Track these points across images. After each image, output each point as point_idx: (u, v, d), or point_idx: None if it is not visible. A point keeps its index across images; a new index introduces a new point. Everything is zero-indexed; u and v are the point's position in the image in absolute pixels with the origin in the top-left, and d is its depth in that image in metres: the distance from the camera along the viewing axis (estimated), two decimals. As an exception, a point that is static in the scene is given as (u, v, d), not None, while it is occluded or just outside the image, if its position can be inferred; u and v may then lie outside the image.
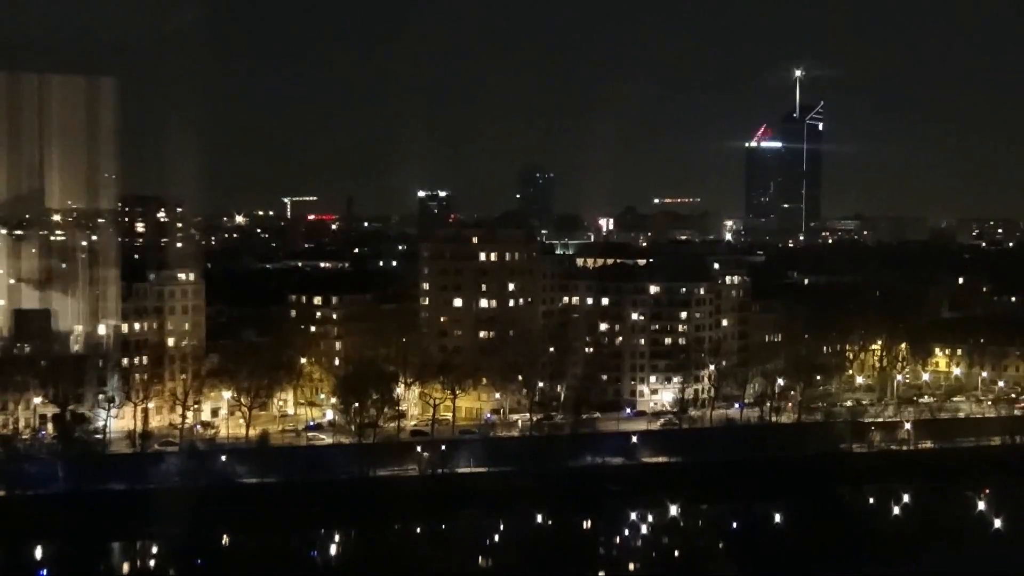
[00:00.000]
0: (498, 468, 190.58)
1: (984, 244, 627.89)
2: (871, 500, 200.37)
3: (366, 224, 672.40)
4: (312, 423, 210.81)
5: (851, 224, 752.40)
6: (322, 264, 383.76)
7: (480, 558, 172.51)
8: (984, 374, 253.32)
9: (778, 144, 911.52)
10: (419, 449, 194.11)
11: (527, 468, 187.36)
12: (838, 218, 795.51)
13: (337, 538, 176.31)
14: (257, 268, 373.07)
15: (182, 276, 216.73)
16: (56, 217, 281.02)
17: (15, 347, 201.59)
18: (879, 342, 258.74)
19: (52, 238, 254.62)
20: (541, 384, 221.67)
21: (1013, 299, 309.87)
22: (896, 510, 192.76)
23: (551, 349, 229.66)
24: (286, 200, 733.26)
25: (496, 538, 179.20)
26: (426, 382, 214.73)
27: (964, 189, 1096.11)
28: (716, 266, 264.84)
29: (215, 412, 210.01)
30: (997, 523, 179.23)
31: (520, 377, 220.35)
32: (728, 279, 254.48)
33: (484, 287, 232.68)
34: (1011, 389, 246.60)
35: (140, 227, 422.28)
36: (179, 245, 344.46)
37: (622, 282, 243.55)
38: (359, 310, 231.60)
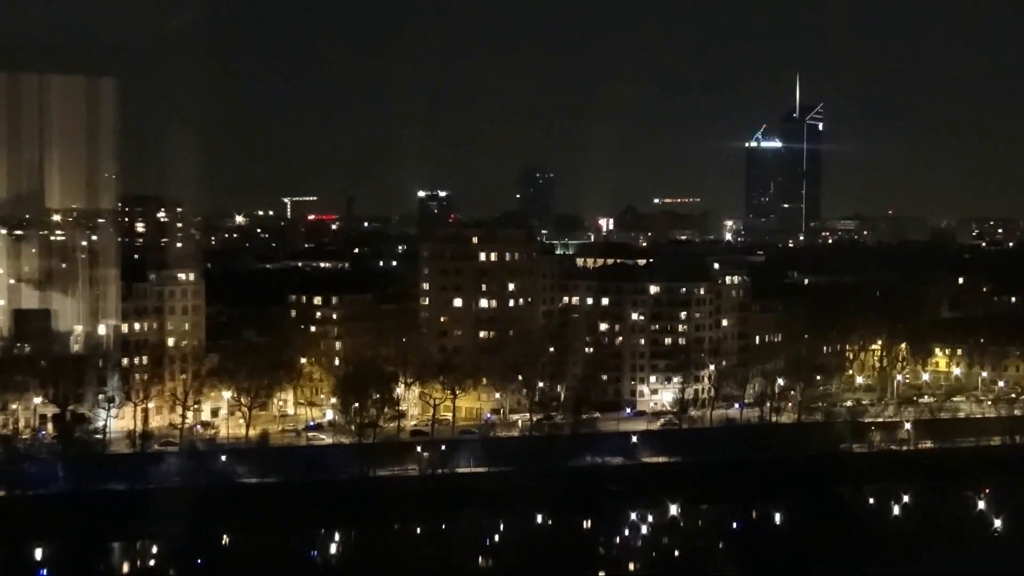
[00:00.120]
0: (498, 468, 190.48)
1: (984, 244, 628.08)
2: (871, 500, 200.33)
3: (366, 224, 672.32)
4: (312, 423, 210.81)
5: (851, 224, 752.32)
6: (322, 264, 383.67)
7: (480, 558, 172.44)
8: (984, 374, 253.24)
9: (778, 144, 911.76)
10: (419, 449, 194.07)
11: (527, 468, 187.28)
12: (838, 218, 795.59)
13: (337, 538, 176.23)
14: (257, 268, 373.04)
15: (182, 276, 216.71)
16: (56, 217, 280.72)
17: (15, 347, 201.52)
18: (879, 342, 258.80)
19: (52, 238, 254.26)
20: (541, 384, 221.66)
21: (1013, 299, 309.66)
22: (896, 510, 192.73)
23: (551, 349, 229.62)
24: (286, 200, 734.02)
25: (496, 538, 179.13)
26: (426, 382, 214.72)
27: (964, 189, 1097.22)
28: (716, 266, 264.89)
29: (215, 412, 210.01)
30: (997, 523, 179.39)
31: (520, 377, 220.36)
32: (728, 279, 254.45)
33: (484, 287, 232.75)
34: (1011, 389, 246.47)
35: (140, 227, 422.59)
36: (179, 245, 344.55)
37: (622, 282, 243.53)
38: (359, 310, 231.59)
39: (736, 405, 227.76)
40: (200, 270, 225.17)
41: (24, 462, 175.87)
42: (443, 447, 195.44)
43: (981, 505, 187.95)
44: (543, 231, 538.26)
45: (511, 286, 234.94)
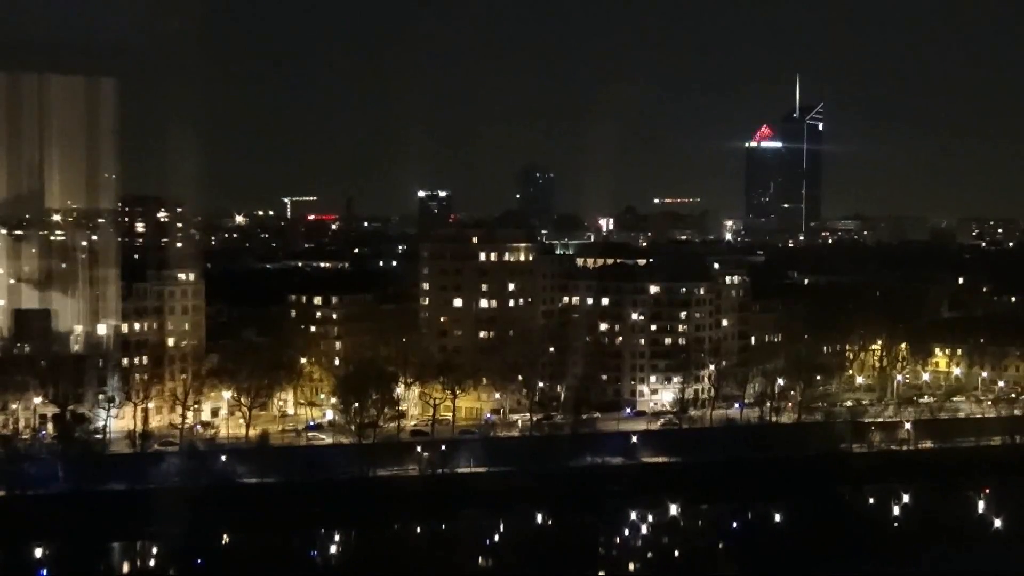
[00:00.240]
0: (498, 468, 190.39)
1: (984, 244, 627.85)
2: (871, 500, 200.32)
3: (366, 224, 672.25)
4: (312, 423, 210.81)
5: (851, 224, 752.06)
6: (322, 264, 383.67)
7: (480, 558, 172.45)
8: (984, 374, 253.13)
9: (778, 144, 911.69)
10: (419, 449, 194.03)
11: (527, 468, 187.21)
12: (838, 218, 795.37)
13: (337, 538, 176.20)
14: (257, 268, 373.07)
15: (182, 276, 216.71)
16: (56, 217, 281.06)
17: (15, 347, 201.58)
18: (879, 342, 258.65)
19: (52, 238, 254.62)
20: (541, 384, 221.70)
21: (1013, 299, 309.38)
22: (896, 510, 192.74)
23: (551, 349, 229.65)
24: (286, 200, 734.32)
25: (496, 538, 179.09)
26: (426, 382, 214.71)
27: (964, 189, 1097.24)
28: (716, 266, 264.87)
29: (215, 412, 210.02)
30: (997, 523, 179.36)
31: (520, 377, 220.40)
32: (728, 279, 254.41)
33: (484, 287, 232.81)
34: (1011, 389, 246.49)
35: (140, 227, 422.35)
36: (179, 245, 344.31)
37: (622, 282, 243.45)
38: (359, 310, 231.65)
39: (736, 405, 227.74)
40: (200, 270, 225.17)
41: (24, 462, 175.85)
42: (443, 447, 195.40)
43: (981, 505, 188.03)
44: (543, 231, 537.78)
45: (511, 286, 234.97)
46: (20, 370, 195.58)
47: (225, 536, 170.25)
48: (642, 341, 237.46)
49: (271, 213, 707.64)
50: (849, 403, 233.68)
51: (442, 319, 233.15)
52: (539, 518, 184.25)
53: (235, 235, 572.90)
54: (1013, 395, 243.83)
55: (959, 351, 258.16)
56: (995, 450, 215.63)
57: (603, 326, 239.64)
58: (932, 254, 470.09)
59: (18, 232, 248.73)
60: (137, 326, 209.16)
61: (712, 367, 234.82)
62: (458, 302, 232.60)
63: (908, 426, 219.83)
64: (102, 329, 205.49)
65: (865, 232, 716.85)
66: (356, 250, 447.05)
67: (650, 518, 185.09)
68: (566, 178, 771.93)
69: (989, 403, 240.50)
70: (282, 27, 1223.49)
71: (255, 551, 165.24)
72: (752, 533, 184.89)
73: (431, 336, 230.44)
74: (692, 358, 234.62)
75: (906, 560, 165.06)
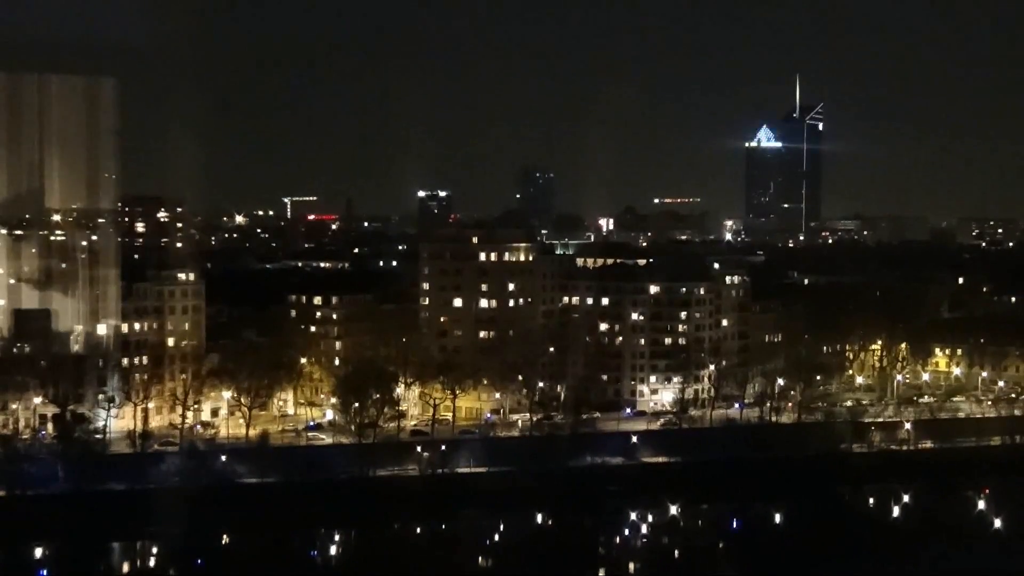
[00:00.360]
0: (498, 468, 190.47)
1: (984, 244, 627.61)
2: (871, 500, 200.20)
3: (366, 224, 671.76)
4: (312, 423, 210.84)
5: (851, 224, 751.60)
6: (322, 264, 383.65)
7: (480, 558, 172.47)
8: (984, 374, 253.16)
9: (778, 144, 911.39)
10: (419, 449, 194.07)
11: (527, 468, 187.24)
12: (838, 218, 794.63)
13: (337, 538, 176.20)
14: (257, 268, 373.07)
15: (182, 276, 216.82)
16: (56, 217, 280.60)
17: (15, 347, 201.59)
18: (879, 342, 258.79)
19: (52, 238, 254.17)
20: (541, 384, 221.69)
21: (1013, 299, 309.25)
22: (896, 510, 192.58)
23: (551, 349, 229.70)
24: (286, 200, 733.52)
25: (496, 538, 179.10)
26: (426, 382, 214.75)
27: (964, 189, 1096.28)
28: (716, 266, 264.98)
29: (215, 412, 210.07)
30: (997, 523, 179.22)
31: (520, 377, 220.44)
32: (728, 279, 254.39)
33: (484, 287, 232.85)
34: (1011, 389, 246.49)
35: (140, 227, 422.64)
36: (179, 245, 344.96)
37: (622, 282, 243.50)
38: (359, 310, 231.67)
39: (736, 405, 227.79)
40: (200, 270, 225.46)
41: (24, 462, 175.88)
42: (443, 447, 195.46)
43: (981, 505, 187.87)
44: (543, 231, 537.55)
45: (511, 286, 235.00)
46: (20, 370, 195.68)
47: (225, 536, 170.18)
48: (642, 341, 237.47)
49: (271, 213, 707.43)
50: (849, 403, 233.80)
51: (442, 319, 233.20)
52: (539, 518, 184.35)
53: (235, 235, 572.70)
54: (1013, 395, 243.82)
55: (959, 351, 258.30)
56: (995, 450, 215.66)
57: (603, 326, 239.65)
58: (932, 254, 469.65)
59: (18, 232, 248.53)
60: (137, 326, 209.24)
61: (712, 367, 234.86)
62: (458, 302, 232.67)
63: (908, 426, 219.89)
64: (102, 329, 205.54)
65: (865, 232, 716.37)
66: (356, 250, 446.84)
67: (650, 518, 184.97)
68: (566, 178, 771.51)
69: (989, 403, 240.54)
70: (282, 27, 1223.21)
71: (255, 551, 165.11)
72: (752, 533, 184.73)
73: (431, 336, 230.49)
74: (692, 358, 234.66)
75: (906, 560, 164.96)
